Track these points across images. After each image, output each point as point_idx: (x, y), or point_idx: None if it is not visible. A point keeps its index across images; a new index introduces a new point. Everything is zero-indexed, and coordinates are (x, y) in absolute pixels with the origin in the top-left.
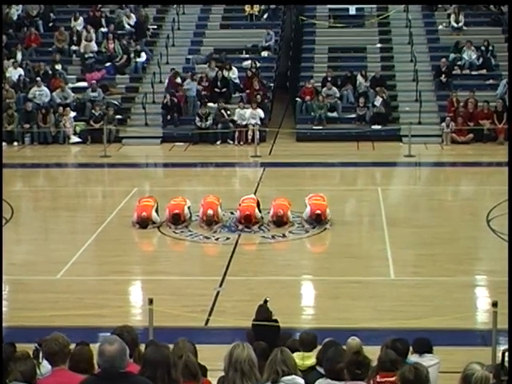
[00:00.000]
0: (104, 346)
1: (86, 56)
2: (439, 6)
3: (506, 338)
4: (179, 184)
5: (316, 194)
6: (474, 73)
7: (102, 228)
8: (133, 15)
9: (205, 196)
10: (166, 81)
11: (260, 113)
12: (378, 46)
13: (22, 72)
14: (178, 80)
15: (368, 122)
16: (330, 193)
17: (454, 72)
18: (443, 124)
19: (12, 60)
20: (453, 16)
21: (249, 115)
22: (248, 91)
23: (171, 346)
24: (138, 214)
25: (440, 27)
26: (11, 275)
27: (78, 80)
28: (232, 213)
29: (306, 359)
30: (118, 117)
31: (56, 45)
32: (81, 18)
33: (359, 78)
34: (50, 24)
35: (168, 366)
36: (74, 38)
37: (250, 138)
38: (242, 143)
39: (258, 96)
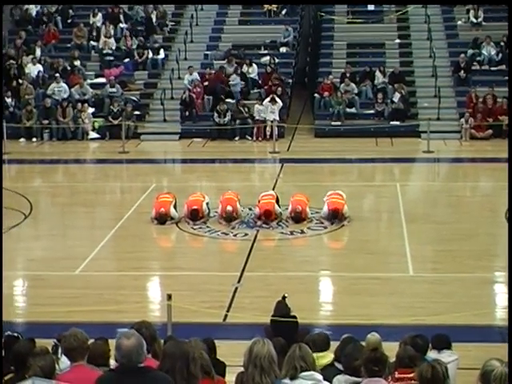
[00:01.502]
0: (121, 341)
1: (105, 52)
2: None
3: None
4: (197, 180)
5: (334, 192)
6: (493, 68)
7: (120, 224)
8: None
9: (223, 192)
10: (187, 77)
11: (279, 105)
12: (397, 41)
13: (41, 68)
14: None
15: (386, 117)
16: (349, 189)
17: (472, 68)
18: (462, 120)
19: (31, 56)
20: (472, 11)
21: (265, 109)
22: (266, 87)
23: None
24: (156, 210)
25: (459, 23)
26: (30, 271)
27: (97, 76)
28: (250, 209)
29: (320, 359)
30: (137, 113)
31: (75, 41)
32: (99, 14)
33: (378, 74)
34: (69, 20)
35: (187, 360)
36: (93, 34)
37: (268, 134)
38: (260, 139)
39: (280, 89)
